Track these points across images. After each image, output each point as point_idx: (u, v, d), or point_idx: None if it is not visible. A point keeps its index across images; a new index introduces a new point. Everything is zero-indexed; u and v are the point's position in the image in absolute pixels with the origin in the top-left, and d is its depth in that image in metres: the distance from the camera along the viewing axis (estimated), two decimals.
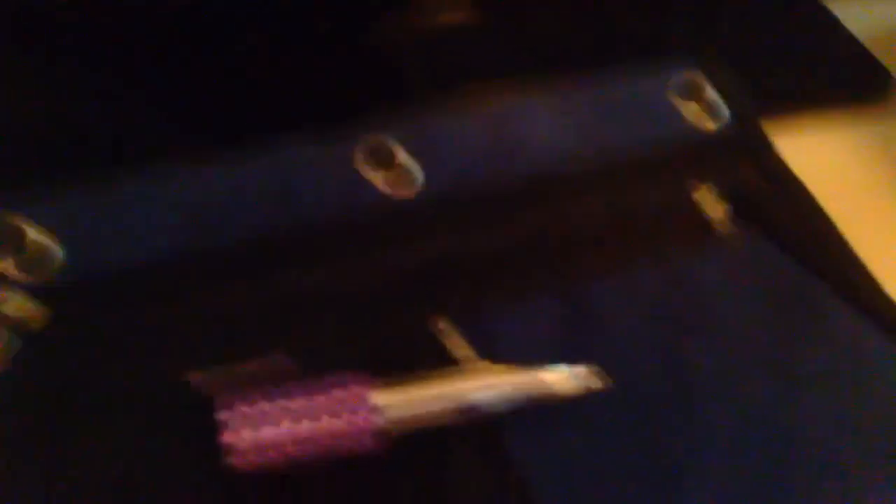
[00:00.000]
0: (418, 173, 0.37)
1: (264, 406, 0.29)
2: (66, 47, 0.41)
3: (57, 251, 0.34)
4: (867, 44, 0.48)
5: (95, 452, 0.30)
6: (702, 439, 0.31)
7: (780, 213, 0.38)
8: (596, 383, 0.31)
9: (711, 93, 0.41)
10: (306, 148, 0.36)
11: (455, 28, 0.48)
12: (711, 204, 0.37)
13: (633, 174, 0.38)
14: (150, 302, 0.33)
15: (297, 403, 0.29)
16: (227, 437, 0.28)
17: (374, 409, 0.29)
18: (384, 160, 0.36)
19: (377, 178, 0.36)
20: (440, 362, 0.32)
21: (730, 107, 0.40)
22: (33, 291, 0.33)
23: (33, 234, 0.34)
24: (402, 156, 0.36)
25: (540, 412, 0.31)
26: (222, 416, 0.29)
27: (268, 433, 0.29)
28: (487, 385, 0.31)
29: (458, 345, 0.32)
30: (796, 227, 0.37)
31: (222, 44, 0.41)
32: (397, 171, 0.36)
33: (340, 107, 0.39)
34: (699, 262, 0.36)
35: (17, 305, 0.33)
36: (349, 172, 0.36)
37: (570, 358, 0.32)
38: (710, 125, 0.40)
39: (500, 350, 0.32)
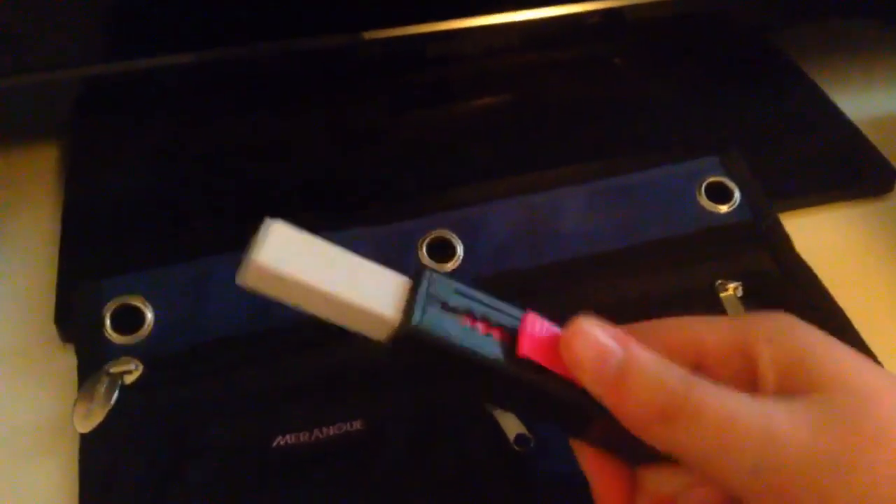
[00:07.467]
0: (460, 254, 0.42)
1: None
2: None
3: (148, 315, 0.38)
4: (869, 134, 0.52)
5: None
6: None
7: (792, 300, 0.42)
8: None
9: (733, 187, 0.45)
10: (367, 233, 0.41)
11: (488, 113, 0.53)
12: (732, 298, 0.41)
13: (657, 262, 0.42)
14: (231, 369, 0.37)
15: None
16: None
17: None
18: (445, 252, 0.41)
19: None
20: None
21: (749, 201, 0.45)
22: (128, 350, 0.37)
23: (129, 299, 0.38)
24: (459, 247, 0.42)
25: None
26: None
27: None
28: None
29: None
30: (806, 314, 0.41)
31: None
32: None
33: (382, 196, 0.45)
34: None
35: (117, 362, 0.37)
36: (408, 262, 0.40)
37: None
38: (730, 218, 0.44)
39: None
